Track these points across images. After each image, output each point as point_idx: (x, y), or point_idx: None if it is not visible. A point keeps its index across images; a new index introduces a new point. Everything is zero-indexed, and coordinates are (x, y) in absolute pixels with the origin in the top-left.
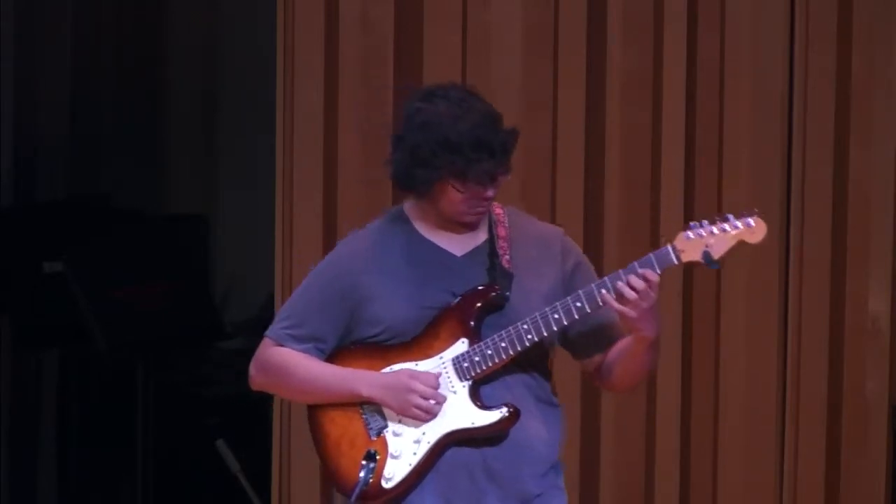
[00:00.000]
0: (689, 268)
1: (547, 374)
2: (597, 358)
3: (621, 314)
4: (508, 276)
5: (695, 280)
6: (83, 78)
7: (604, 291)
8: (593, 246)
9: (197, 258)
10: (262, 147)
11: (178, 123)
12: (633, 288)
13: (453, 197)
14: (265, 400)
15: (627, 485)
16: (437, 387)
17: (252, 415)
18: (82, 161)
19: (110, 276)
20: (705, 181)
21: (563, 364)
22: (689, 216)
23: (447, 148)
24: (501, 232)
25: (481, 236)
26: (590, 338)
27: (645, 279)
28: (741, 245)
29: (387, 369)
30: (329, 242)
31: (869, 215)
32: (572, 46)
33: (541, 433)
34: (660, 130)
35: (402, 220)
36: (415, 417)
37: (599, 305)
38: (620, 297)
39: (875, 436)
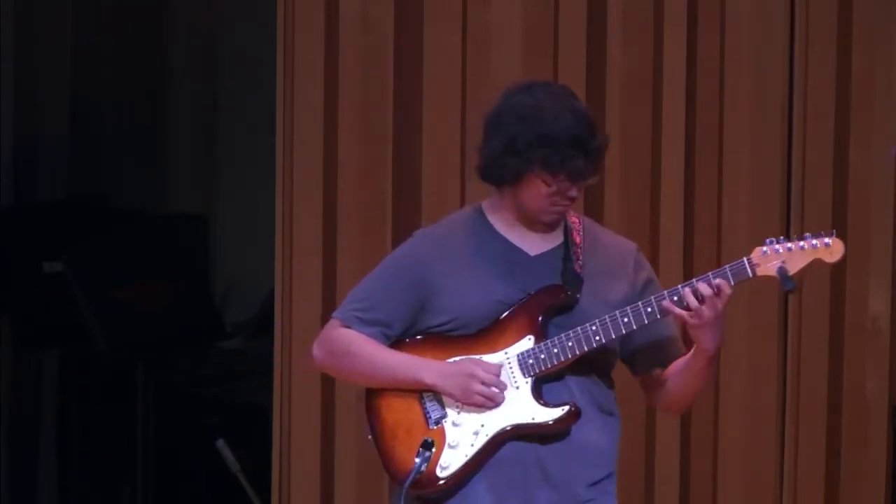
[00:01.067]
0: (689, 266)
1: (610, 384)
2: (656, 373)
3: (683, 321)
4: (579, 280)
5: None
6: (83, 78)
7: (675, 297)
8: None
9: (197, 258)
10: (262, 147)
11: (178, 123)
12: (699, 294)
13: (539, 190)
14: (265, 400)
15: (627, 485)
16: (499, 375)
17: (252, 415)
18: (82, 161)
19: (110, 276)
20: (705, 181)
21: None
22: (689, 216)
23: (545, 141)
24: (576, 239)
25: (556, 240)
26: (651, 351)
27: (717, 289)
28: (817, 263)
29: (450, 361)
30: (329, 242)
31: (869, 215)
32: (572, 46)
33: (599, 440)
34: (660, 130)
35: (480, 215)
36: (476, 404)
37: (668, 311)
38: (684, 304)
39: (875, 436)
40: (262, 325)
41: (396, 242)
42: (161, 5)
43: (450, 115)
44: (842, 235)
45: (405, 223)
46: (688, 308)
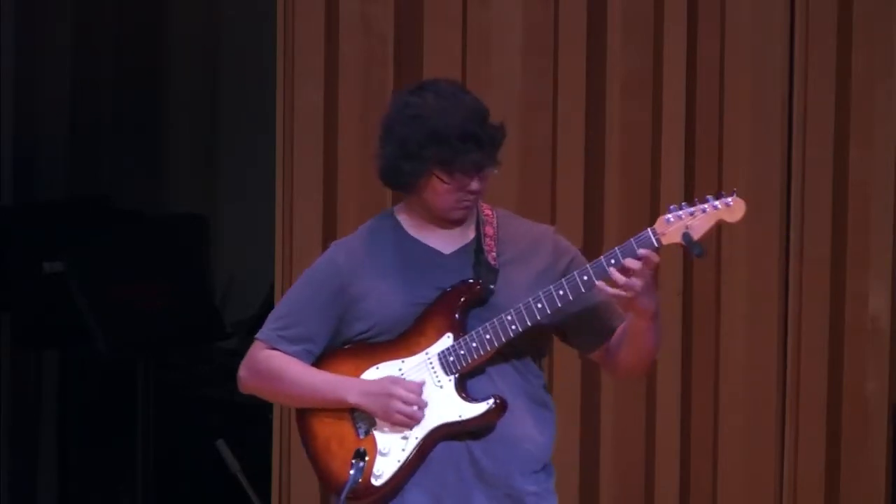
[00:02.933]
0: (689, 266)
1: (538, 374)
2: (602, 347)
3: (615, 297)
4: (493, 272)
5: (694, 279)
6: (83, 78)
7: (586, 278)
8: (593, 245)
9: (197, 258)
10: (262, 147)
11: (178, 123)
12: (626, 269)
13: (439, 189)
14: (265, 400)
15: (627, 485)
16: (420, 392)
17: (252, 414)
18: (82, 161)
19: (110, 276)
20: (705, 181)
21: (564, 364)
22: None
23: (434, 139)
24: (489, 231)
25: (469, 235)
26: (587, 327)
27: (644, 258)
28: (721, 224)
29: (374, 368)
30: (329, 242)
31: (869, 215)
32: (572, 46)
33: (530, 432)
34: (660, 130)
35: (392, 220)
36: (399, 423)
37: (582, 291)
38: (613, 280)
39: (875, 436)
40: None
41: None
42: (161, 5)
43: None
44: (842, 235)
45: None
46: (617, 284)
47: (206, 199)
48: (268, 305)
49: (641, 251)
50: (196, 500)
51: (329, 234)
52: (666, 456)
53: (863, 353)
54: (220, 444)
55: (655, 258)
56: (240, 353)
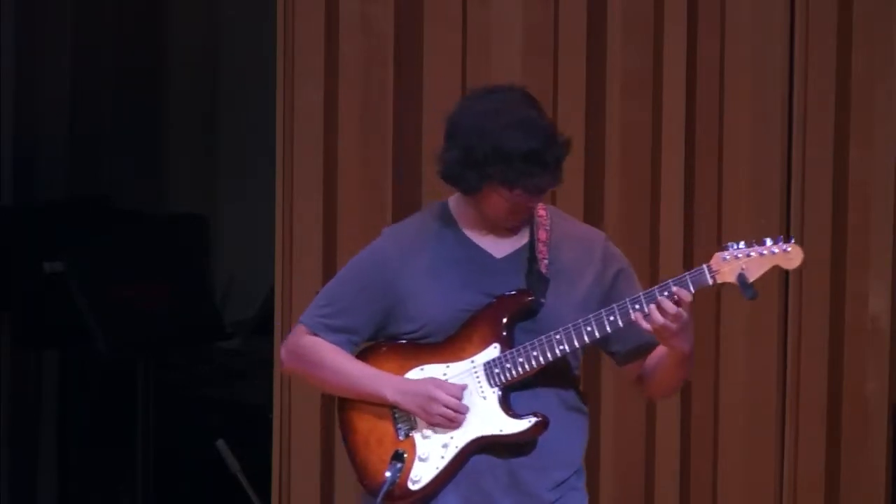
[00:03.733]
0: (689, 266)
1: (576, 381)
2: (635, 365)
3: (650, 333)
4: (545, 282)
5: None
6: (83, 78)
7: (637, 307)
8: None
9: (197, 258)
10: (262, 147)
11: (178, 123)
12: (664, 310)
13: (498, 202)
14: (265, 400)
15: (627, 485)
16: (461, 397)
17: (252, 414)
18: (82, 161)
19: (110, 276)
20: (705, 181)
21: None
22: (689, 216)
23: (500, 156)
24: (542, 235)
25: (522, 238)
26: (629, 346)
27: (678, 299)
28: (776, 270)
29: (417, 369)
30: (329, 243)
31: (869, 215)
32: (572, 46)
33: (568, 441)
34: (660, 130)
35: (446, 215)
36: (437, 424)
37: (632, 321)
38: (650, 318)
39: (875, 436)
40: (262, 324)
41: None
42: (161, 5)
43: None
44: (842, 235)
45: None
46: (654, 322)
47: (206, 199)
48: (268, 305)
49: (676, 289)
50: (196, 500)
51: (329, 234)
52: (666, 456)
53: (863, 353)
54: (220, 444)
55: (688, 298)
56: (240, 353)
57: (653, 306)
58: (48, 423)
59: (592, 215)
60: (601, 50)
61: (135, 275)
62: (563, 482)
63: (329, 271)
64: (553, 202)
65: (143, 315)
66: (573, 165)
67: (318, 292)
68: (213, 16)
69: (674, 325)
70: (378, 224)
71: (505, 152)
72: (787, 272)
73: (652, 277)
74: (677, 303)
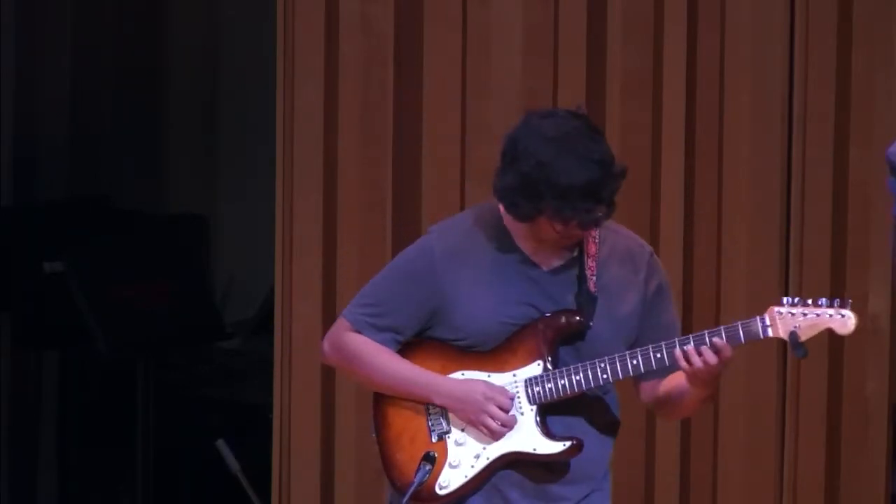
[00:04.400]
0: (689, 266)
1: (614, 396)
2: (651, 383)
3: (683, 370)
4: (593, 301)
5: (695, 279)
6: (83, 78)
7: (685, 350)
8: None
9: (197, 258)
10: (262, 147)
11: (178, 123)
12: (705, 360)
13: (549, 231)
14: (265, 400)
15: (627, 485)
16: (510, 410)
17: (252, 414)
18: (82, 161)
19: (110, 276)
20: (705, 181)
21: None
22: (689, 216)
23: (556, 192)
24: (591, 249)
25: (571, 251)
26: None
27: (719, 350)
28: (828, 333)
29: (458, 373)
30: (329, 242)
31: (869, 215)
32: (572, 46)
33: (600, 457)
34: (660, 130)
35: (497, 222)
36: (482, 432)
37: (676, 358)
38: (689, 360)
39: (875, 436)
40: (262, 324)
41: (396, 242)
42: (161, 5)
43: (450, 115)
44: (842, 235)
45: (405, 223)
46: (692, 366)
47: (206, 199)
48: (268, 305)
49: (720, 343)
50: (196, 500)
51: (329, 235)
52: (666, 456)
53: (863, 353)
54: (220, 444)
55: (729, 353)
56: (240, 353)
57: (691, 349)
58: (48, 423)
59: None
60: (601, 50)
61: (135, 275)
62: (591, 492)
63: (329, 271)
64: None
65: (143, 315)
66: None
67: (354, 289)
68: (213, 16)
69: (706, 376)
70: (378, 224)
71: (561, 188)
72: (787, 272)
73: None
74: (718, 352)
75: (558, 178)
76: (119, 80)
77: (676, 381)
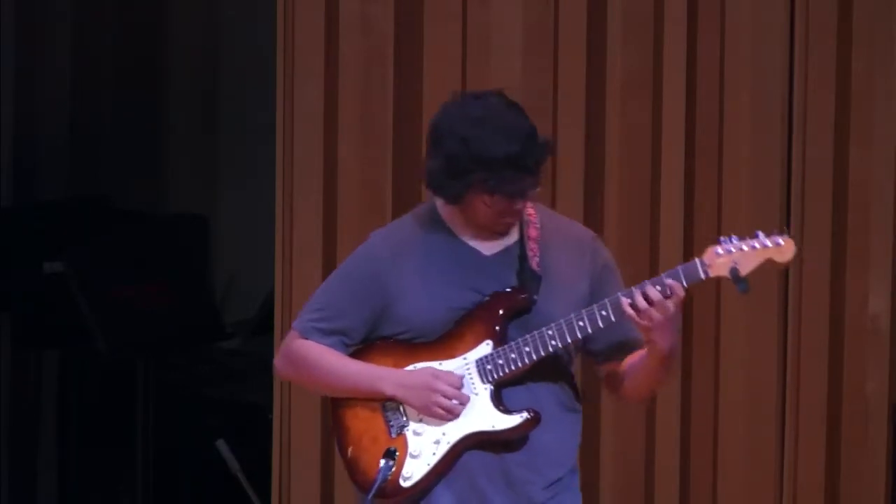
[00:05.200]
0: None
1: (571, 379)
2: (612, 365)
3: (636, 324)
4: (537, 279)
5: None
6: (83, 78)
7: (628, 301)
8: None
9: (197, 258)
10: (262, 147)
11: (178, 123)
12: (652, 301)
13: (482, 209)
14: (265, 400)
15: (627, 485)
16: (460, 387)
17: (252, 414)
18: (82, 161)
19: (110, 276)
20: (705, 181)
21: None
22: (689, 216)
23: (481, 164)
24: (532, 233)
25: (512, 237)
26: (609, 345)
27: (669, 291)
28: (769, 263)
29: (410, 367)
30: (329, 243)
31: (869, 215)
32: (572, 46)
33: (561, 438)
34: (660, 130)
35: (435, 216)
36: (437, 417)
37: (624, 312)
38: (635, 307)
39: (875, 436)
40: (262, 324)
41: None
42: (161, 5)
43: None
44: (842, 235)
45: None
46: (637, 311)
47: (206, 199)
48: (268, 305)
49: (669, 282)
50: (196, 500)
51: (329, 234)
52: (666, 456)
53: (863, 353)
54: (220, 444)
55: (681, 293)
56: (240, 353)
57: (641, 297)
58: (48, 423)
59: (592, 215)
60: (601, 50)
61: (135, 275)
62: (557, 481)
63: (329, 271)
64: (553, 202)
65: (143, 315)
66: (573, 165)
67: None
68: (213, 16)
69: (658, 315)
70: (378, 224)
71: (486, 159)
72: (787, 272)
73: (651, 277)
74: (668, 296)
75: (481, 151)
76: (119, 80)
77: (635, 356)
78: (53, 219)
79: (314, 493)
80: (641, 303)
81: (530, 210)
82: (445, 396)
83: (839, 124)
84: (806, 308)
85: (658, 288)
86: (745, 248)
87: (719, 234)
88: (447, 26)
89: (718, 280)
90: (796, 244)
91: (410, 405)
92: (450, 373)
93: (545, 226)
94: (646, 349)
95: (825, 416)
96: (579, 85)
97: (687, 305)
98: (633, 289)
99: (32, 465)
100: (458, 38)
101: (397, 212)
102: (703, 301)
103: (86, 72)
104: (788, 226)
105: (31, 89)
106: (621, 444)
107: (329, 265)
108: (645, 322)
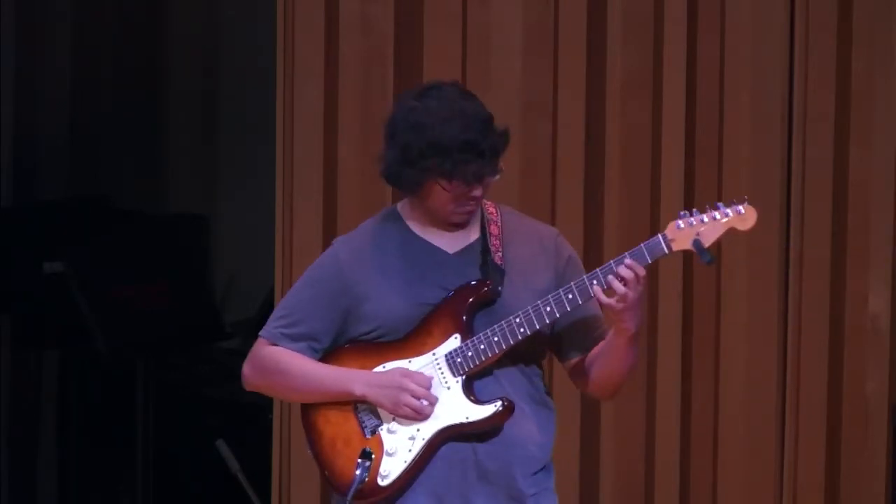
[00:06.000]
0: (690, 267)
1: (540, 375)
2: (579, 357)
3: (607, 306)
4: (500, 272)
5: (695, 279)
6: (83, 78)
7: (595, 283)
8: (593, 246)
9: (197, 258)
10: (262, 147)
11: (178, 123)
12: (622, 279)
13: (440, 196)
14: (265, 400)
15: (627, 485)
16: (429, 387)
17: (252, 414)
18: (82, 161)
19: (110, 276)
20: (705, 181)
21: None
22: None
23: (435, 150)
24: (494, 230)
25: (473, 234)
26: (574, 336)
27: (633, 272)
28: (732, 232)
29: (380, 367)
30: (329, 242)
31: (869, 215)
32: (572, 46)
33: (533, 433)
34: (660, 130)
35: (396, 218)
36: (407, 417)
37: (591, 297)
38: (608, 290)
39: (875, 436)
40: (262, 324)
41: None
42: (161, 5)
43: None
44: (842, 235)
45: None
46: (612, 293)
47: (206, 199)
48: (268, 305)
49: (628, 261)
50: (196, 500)
51: (329, 234)
52: (666, 456)
53: (863, 353)
54: (220, 444)
55: (642, 271)
56: (240, 353)
57: (611, 277)
58: (48, 423)
59: (592, 215)
60: (601, 50)
61: (135, 275)
62: (533, 474)
63: None
64: (553, 202)
65: (143, 315)
66: (573, 165)
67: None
68: (213, 16)
69: (632, 294)
70: None
71: (441, 145)
72: (787, 272)
73: (651, 277)
74: (637, 275)
75: (436, 137)
76: (119, 80)
77: (599, 345)
78: (53, 219)
79: (314, 493)
80: (619, 287)
81: (491, 208)
82: (415, 396)
83: (839, 124)
84: (806, 308)
85: (622, 267)
86: (706, 219)
87: None
88: (447, 26)
89: (719, 282)
90: (755, 221)
91: (380, 405)
92: (420, 373)
93: (507, 223)
94: (612, 332)
95: (825, 416)
96: (579, 85)
97: (687, 305)
98: (597, 271)
99: (32, 465)
100: (458, 38)
101: None
102: (704, 301)
103: (86, 72)
104: (788, 226)
105: (31, 89)
106: (621, 444)
107: None
108: (619, 304)
